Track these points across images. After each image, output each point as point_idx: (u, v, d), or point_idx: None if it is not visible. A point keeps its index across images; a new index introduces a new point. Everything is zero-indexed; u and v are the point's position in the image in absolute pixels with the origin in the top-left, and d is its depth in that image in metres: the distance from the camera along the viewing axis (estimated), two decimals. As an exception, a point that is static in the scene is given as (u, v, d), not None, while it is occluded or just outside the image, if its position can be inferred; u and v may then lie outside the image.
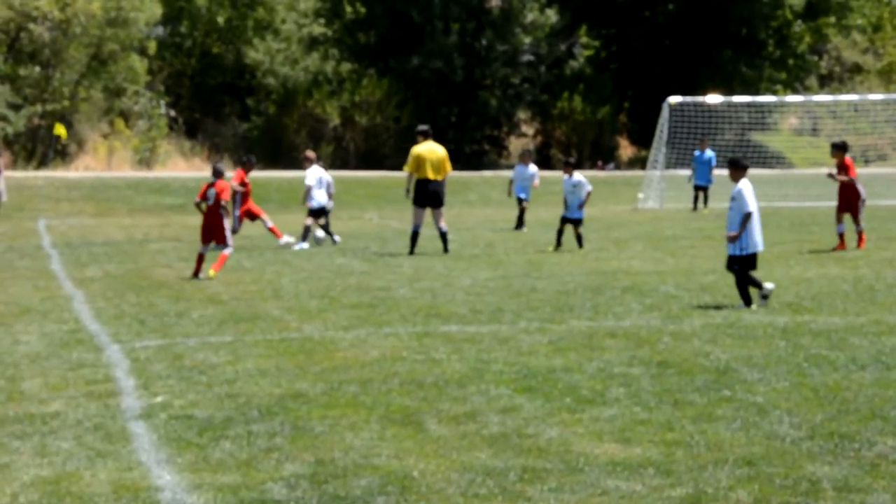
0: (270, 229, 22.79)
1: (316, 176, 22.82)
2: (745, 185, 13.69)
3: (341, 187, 39.47)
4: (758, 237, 13.73)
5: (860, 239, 20.99)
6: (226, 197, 17.24)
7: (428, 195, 20.33)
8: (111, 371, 10.21)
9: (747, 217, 13.54)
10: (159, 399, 9.08)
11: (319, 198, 22.71)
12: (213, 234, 17.21)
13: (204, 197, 17.24)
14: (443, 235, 20.50)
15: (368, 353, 10.98)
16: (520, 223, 26.30)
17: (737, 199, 13.69)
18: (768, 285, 13.68)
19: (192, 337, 11.95)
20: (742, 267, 13.66)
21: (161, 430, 8.15)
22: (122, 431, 8.13)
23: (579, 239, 21.06)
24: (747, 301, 13.61)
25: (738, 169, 13.87)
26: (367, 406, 8.81)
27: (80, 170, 42.52)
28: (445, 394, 9.19)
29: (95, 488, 6.86)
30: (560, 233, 21.18)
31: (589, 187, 21.52)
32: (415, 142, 20.88)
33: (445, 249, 20.41)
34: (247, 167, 23.32)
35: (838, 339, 11.48)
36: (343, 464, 7.29)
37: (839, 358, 10.52)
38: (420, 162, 20.35)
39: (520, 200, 26.46)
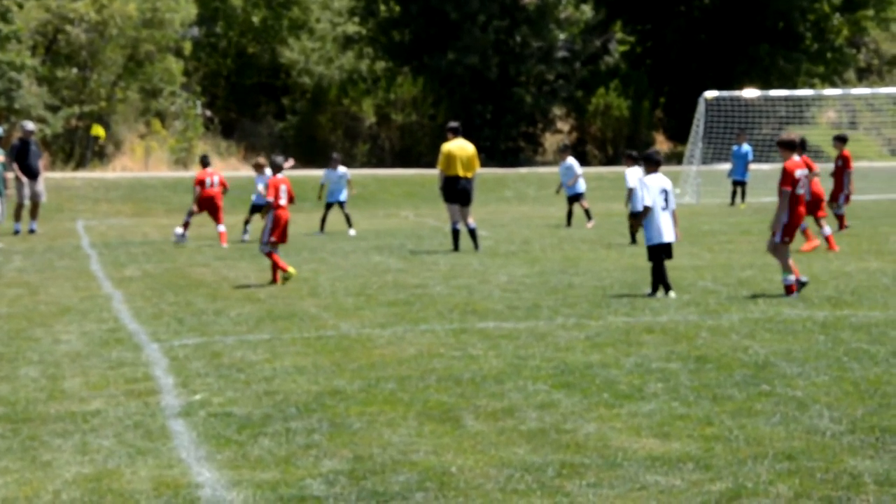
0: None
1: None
2: (648, 179, 14.47)
3: (377, 185, 39.59)
4: (657, 229, 14.35)
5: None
6: (292, 192, 16.57)
7: (458, 192, 20.32)
8: (150, 369, 10.28)
9: (644, 210, 14.36)
10: (198, 397, 9.13)
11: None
12: (286, 232, 16.50)
13: (276, 194, 16.30)
14: (472, 232, 20.48)
15: (405, 350, 10.99)
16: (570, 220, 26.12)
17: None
18: (672, 294, 14.26)
19: (230, 335, 12.01)
20: (650, 257, 14.45)
21: (200, 427, 8.19)
22: (162, 429, 8.18)
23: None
24: (654, 288, 14.35)
25: (649, 163, 14.78)
26: (404, 402, 8.82)
27: (118, 170, 42.75)
28: (483, 390, 9.19)
29: (136, 485, 6.90)
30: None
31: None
32: (446, 139, 20.90)
33: (476, 246, 20.37)
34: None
35: (878, 333, 11.40)
36: (381, 460, 7.30)
37: (880, 352, 10.45)
38: (450, 159, 20.36)
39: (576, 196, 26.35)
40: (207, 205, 23.11)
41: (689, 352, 10.62)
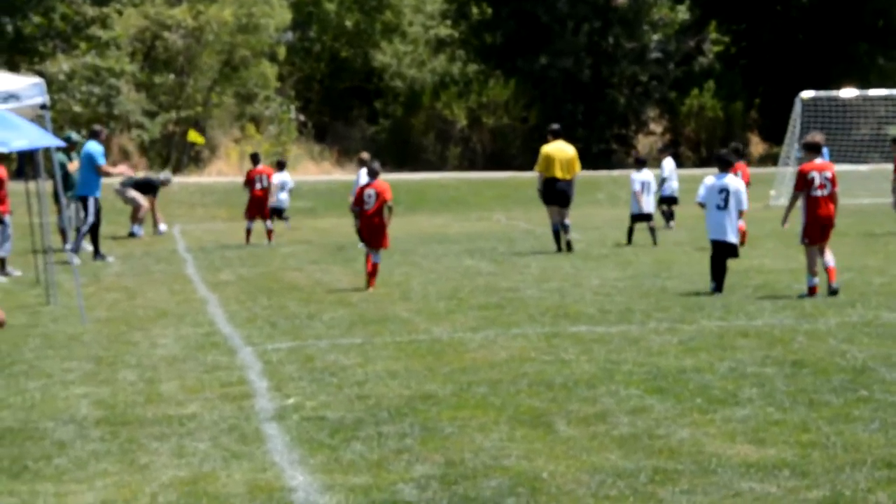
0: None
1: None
2: (710, 178, 15.14)
3: (469, 188, 39.62)
4: (713, 226, 14.90)
5: None
6: (389, 197, 16.23)
7: (556, 194, 20.40)
8: (245, 373, 10.39)
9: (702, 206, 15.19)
10: (291, 401, 9.21)
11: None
12: (377, 238, 16.19)
13: (361, 201, 16.27)
14: (564, 228, 20.53)
15: (497, 354, 10.98)
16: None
17: None
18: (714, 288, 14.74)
19: (323, 339, 12.10)
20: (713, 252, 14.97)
21: (293, 431, 8.26)
22: (256, 433, 8.27)
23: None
24: (716, 284, 14.79)
25: (720, 164, 15.27)
26: (496, 407, 8.81)
27: (213, 175, 43.32)
28: (575, 394, 9.15)
29: (231, 489, 6.98)
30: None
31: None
32: (545, 141, 21.01)
33: (558, 248, 20.44)
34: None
35: (981, 338, 11.13)
36: (473, 465, 7.30)
37: (982, 357, 10.21)
38: (549, 161, 20.47)
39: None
40: (256, 203, 23.55)
41: (785, 356, 10.47)
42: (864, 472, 6.94)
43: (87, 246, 21.60)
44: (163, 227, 27.12)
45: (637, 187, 22.14)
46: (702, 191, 15.09)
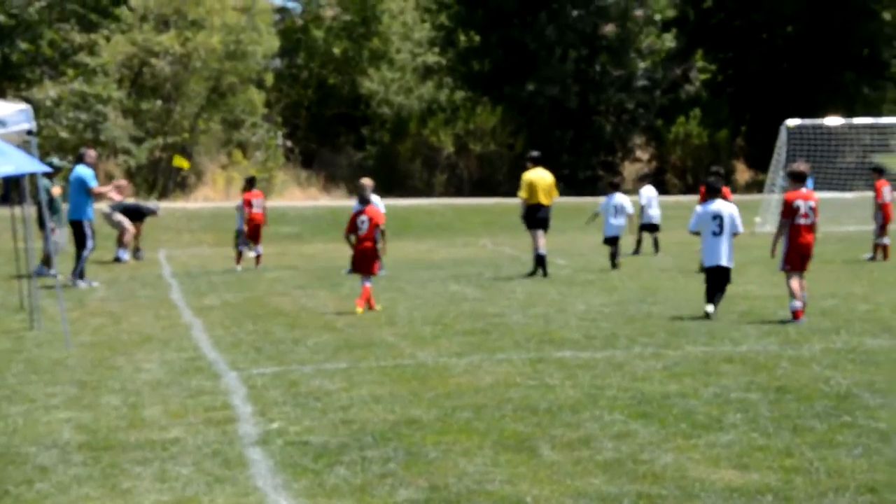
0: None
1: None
2: (702, 207, 15.53)
3: (455, 215, 39.66)
4: (708, 253, 15.23)
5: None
6: (381, 221, 16.61)
7: (539, 220, 20.81)
8: (229, 398, 10.36)
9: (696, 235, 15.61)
10: (275, 425, 9.18)
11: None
12: (368, 263, 16.49)
13: (354, 228, 16.54)
14: (541, 258, 20.74)
15: (482, 379, 10.98)
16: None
17: None
18: (709, 308, 14.88)
19: (308, 364, 12.07)
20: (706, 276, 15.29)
21: (277, 456, 8.24)
22: (240, 457, 8.24)
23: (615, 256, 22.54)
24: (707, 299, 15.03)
25: (708, 191, 15.81)
26: (480, 432, 8.80)
27: (199, 200, 43.29)
28: (559, 420, 9.15)
29: (213, 513, 6.95)
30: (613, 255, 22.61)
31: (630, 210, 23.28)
32: (525, 168, 21.43)
33: (545, 273, 20.56)
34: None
35: (964, 364, 11.16)
36: (457, 489, 7.29)
37: (965, 383, 10.23)
38: (532, 187, 20.88)
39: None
40: (251, 227, 23.55)
41: (769, 382, 10.49)
42: (848, 498, 6.95)
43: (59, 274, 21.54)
44: (142, 253, 27.20)
45: (598, 209, 22.97)
46: (694, 219, 15.36)
